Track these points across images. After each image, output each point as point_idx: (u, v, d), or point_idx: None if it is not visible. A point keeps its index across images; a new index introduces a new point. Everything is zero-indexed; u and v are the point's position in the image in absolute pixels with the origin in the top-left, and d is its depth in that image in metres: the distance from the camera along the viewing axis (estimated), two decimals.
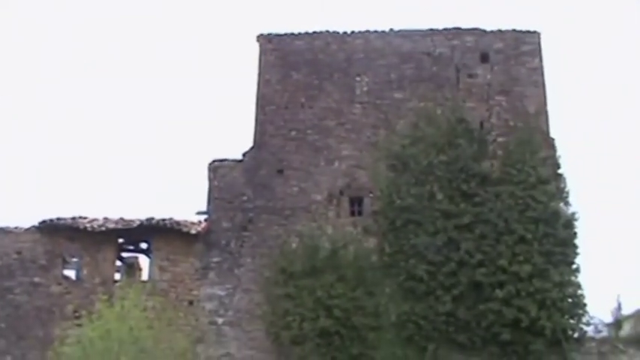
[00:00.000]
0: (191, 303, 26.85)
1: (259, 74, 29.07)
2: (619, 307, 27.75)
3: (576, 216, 26.57)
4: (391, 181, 27.05)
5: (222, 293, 26.70)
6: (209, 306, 26.63)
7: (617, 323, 27.57)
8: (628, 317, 29.12)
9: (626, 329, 28.42)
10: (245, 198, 27.54)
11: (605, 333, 27.41)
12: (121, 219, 27.22)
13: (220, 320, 26.47)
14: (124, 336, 22.17)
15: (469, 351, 25.33)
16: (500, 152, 27.35)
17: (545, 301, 25.13)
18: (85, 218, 27.32)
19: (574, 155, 40.23)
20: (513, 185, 26.49)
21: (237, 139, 50.03)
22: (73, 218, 27.26)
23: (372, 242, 26.76)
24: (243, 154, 28.13)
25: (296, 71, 28.91)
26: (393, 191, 26.79)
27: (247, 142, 28.33)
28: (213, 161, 28.12)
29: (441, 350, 25.35)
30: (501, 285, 25.30)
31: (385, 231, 26.60)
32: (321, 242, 26.52)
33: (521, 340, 25.15)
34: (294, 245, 26.66)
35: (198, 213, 27.94)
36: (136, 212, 27.82)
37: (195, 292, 26.91)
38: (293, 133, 28.17)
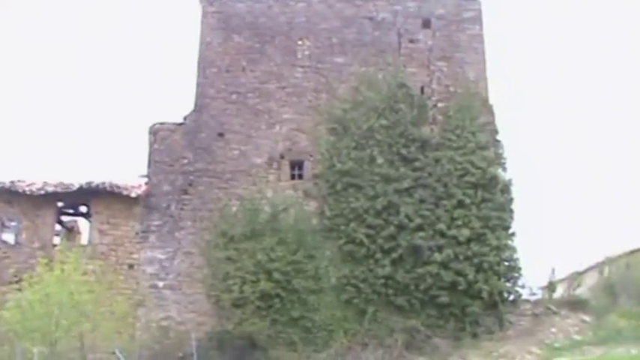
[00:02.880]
0: (131, 266, 26.73)
1: (201, 37, 28.82)
2: (552, 270, 28.33)
3: (513, 181, 27.04)
4: (332, 144, 27.16)
5: (163, 256, 26.63)
6: (149, 269, 26.55)
7: (551, 286, 28.14)
8: (561, 280, 29.75)
9: (559, 292, 29.06)
10: (186, 161, 27.40)
11: (539, 295, 27.99)
12: (61, 182, 26.91)
13: (161, 284, 26.42)
14: (64, 300, 22.01)
15: (407, 313, 25.64)
16: (440, 117, 27.65)
17: (483, 265, 25.63)
18: (24, 182, 26.95)
19: (511, 121, 40.90)
20: (453, 150, 26.83)
21: (179, 102, 49.67)
22: (12, 182, 26.89)
23: (312, 205, 26.90)
24: (184, 118, 27.92)
25: (238, 34, 28.72)
26: (334, 155, 26.94)
27: (189, 106, 28.15)
28: (154, 124, 27.85)
29: (380, 312, 25.67)
30: (440, 249, 25.71)
31: (325, 194, 26.76)
32: (262, 206, 26.59)
33: (458, 303, 25.64)
34: (234, 209, 26.66)
35: (142, 176, 27.70)
36: (76, 176, 27.46)
37: (135, 256, 26.78)
38: (234, 96, 28.03)
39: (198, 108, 27.97)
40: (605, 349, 23.90)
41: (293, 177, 27.52)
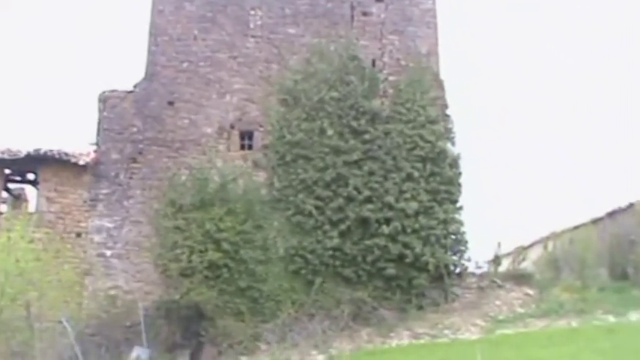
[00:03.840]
0: (79, 235, 26.49)
1: (153, 4, 28.47)
2: (498, 244, 28.69)
3: (461, 156, 27.30)
4: (282, 115, 27.09)
5: (111, 225, 26.44)
6: (97, 238, 26.35)
7: (496, 260, 28.52)
8: (506, 254, 30.16)
9: (505, 265, 29.46)
10: (135, 129, 27.15)
11: (484, 269, 28.36)
12: (8, 149, 26.44)
13: (108, 252, 26.24)
14: (10, 268, 21.78)
15: (355, 285, 25.83)
16: (391, 91, 27.72)
17: (430, 238, 25.85)
18: None
19: (460, 96, 41.13)
20: (403, 124, 26.92)
21: (130, 70, 49.30)
22: None
23: (261, 176, 26.86)
24: (135, 86, 27.65)
25: (190, 2, 28.39)
26: (284, 126, 26.87)
27: (140, 74, 27.90)
28: (104, 92, 27.57)
29: (327, 284, 25.81)
30: (388, 221, 25.84)
31: (275, 165, 26.71)
32: (211, 175, 26.41)
33: (405, 275, 25.85)
34: (183, 178, 26.48)
35: (91, 144, 27.47)
36: (24, 143, 27.13)
37: (83, 224, 26.52)
38: (185, 65, 27.78)
39: (149, 76, 27.69)
40: (548, 322, 24.36)
41: (243, 147, 27.43)
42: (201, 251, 25.30)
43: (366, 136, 26.69)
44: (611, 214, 31.29)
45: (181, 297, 24.90)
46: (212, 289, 25.11)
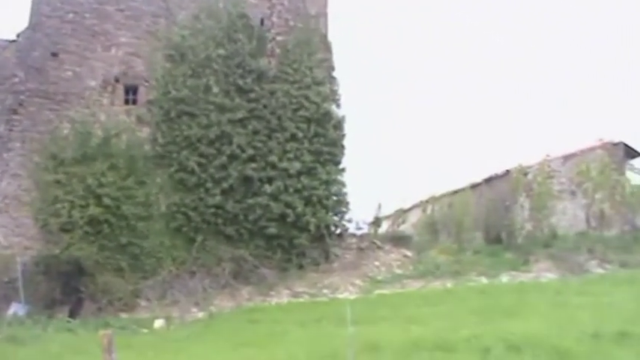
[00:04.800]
0: None
1: None
2: (379, 207, 29.19)
3: (346, 118, 27.59)
4: (168, 71, 26.83)
5: None
6: None
7: (376, 221, 29.03)
8: (387, 217, 30.74)
9: (384, 227, 30.03)
10: (17, 80, 26.38)
11: (365, 230, 28.84)
12: None
13: None
14: None
15: (236, 243, 26.02)
16: (278, 51, 27.76)
17: (312, 198, 26.17)
18: None
19: (347, 59, 41.46)
20: (289, 84, 27.03)
21: (13, 18, 47.82)
22: None
23: (145, 132, 26.61)
24: (17, 35, 26.86)
25: None
26: (169, 82, 26.63)
27: (23, 23, 27.12)
28: None
29: (208, 241, 25.93)
30: (270, 180, 26.04)
31: (159, 121, 26.50)
32: (94, 129, 25.98)
33: (286, 234, 26.17)
34: (65, 131, 25.94)
35: None
36: None
37: None
38: (70, 15, 27.01)
39: (33, 26, 26.90)
40: (424, 283, 24.97)
41: (127, 102, 27.07)
42: (82, 206, 24.94)
43: (252, 95, 26.72)
44: (488, 180, 32.19)
45: (61, 252, 24.51)
46: (92, 245, 24.85)
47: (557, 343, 12.07)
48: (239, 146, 26.08)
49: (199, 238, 25.75)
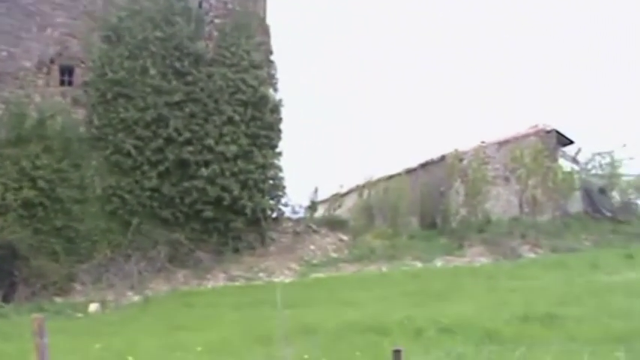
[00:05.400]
0: None
1: None
2: (315, 191, 29.37)
3: (283, 102, 27.67)
4: (104, 52, 26.48)
5: None
6: None
7: (313, 205, 29.21)
8: (323, 201, 30.92)
9: (321, 212, 30.21)
10: None
11: (301, 214, 29.01)
12: None
13: None
14: None
15: (172, 226, 25.96)
16: (216, 34, 27.63)
17: (248, 182, 26.22)
18: None
19: (285, 42, 41.42)
20: (226, 67, 26.95)
21: None
22: None
23: (80, 114, 26.24)
24: None
25: None
26: (106, 63, 26.30)
27: None
28: None
29: (144, 225, 25.80)
30: (207, 164, 25.99)
31: (95, 103, 26.20)
32: (29, 111, 25.53)
33: (222, 218, 26.19)
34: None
35: None
36: None
37: None
38: None
39: None
40: (359, 267, 25.30)
41: (62, 83, 26.64)
42: (15, 189, 24.53)
43: (189, 78, 26.57)
44: (424, 166, 32.47)
45: None
46: (26, 228, 24.45)
47: (487, 326, 12.42)
48: (176, 129, 25.96)
49: (135, 222, 25.57)
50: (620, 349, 8.82)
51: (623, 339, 10.00)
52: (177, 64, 26.50)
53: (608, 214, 33.30)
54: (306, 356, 10.01)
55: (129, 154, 25.79)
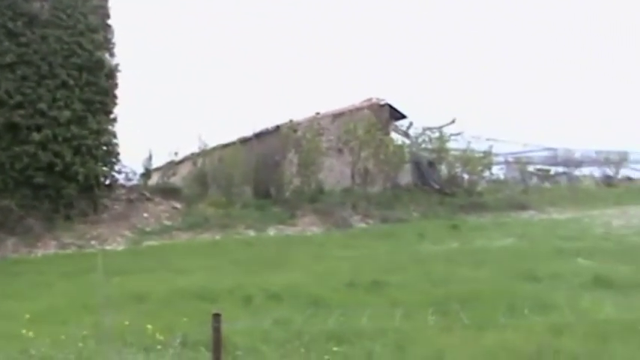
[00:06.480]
0: None
1: None
2: (150, 158, 29.27)
3: (119, 67, 27.22)
4: None
5: None
6: None
7: (147, 173, 29.11)
8: (157, 168, 30.86)
9: (155, 179, 30.15)
10: None
11: (135, 181, 28.85)
12: None
13: None
14: None
15: (1, 193, 25.10)
16: None
17: (81, 148, 25.81)
18: None
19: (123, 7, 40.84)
20: (62, 30, 26.22)
21: None
22: None
23: None
24: None
25: None
26: None
27: None
28: None
29: None
30: (39, 128, 25.33)
31: None
32: None
33: (54, 184, 25.63)
34: None
35: None
36: None
37: None
38: None
39: None
40: (193, 235, 25.47)
41: None
42: None
43: (22, 39, 25.67)
44: (259, 135, 32.75)
45: None
46: None
47: (314, 292, 12.85)
48: (7, 92, 25.12)
49: None
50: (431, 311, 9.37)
51: (441, 303, 10.60)
52: (10, 25, 25.54)
53: (436, 186, 34.73)
54: (126, 322, 10.10)
55: None
